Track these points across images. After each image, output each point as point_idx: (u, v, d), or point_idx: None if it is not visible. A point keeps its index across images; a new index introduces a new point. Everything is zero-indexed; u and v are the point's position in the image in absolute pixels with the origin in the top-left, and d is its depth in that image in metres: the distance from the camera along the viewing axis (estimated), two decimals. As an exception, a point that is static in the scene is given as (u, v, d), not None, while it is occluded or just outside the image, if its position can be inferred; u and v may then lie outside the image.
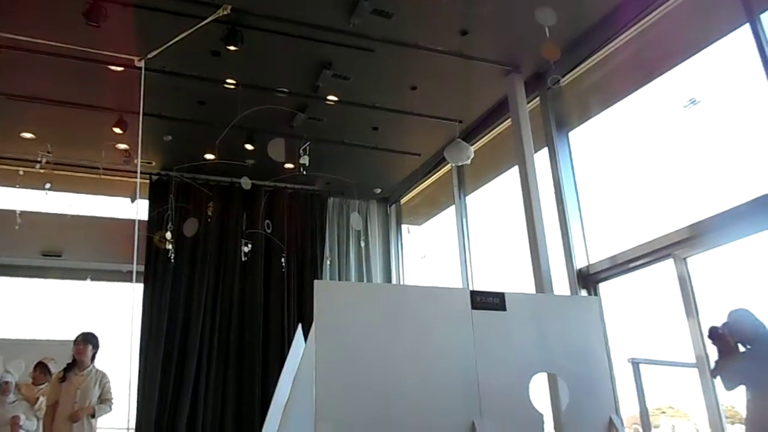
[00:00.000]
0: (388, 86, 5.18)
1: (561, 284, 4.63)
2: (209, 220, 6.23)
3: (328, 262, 6.84)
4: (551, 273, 4.60)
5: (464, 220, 6.31)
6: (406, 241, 7.58)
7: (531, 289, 4.63)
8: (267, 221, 6.29)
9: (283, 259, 6.42)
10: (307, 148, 5.11)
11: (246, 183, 5.21)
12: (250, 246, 6.05)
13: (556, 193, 4.89)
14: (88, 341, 4.42)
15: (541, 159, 5.02)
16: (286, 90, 5.07)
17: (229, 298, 6.34)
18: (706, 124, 3.84)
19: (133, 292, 5.71)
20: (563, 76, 4.96)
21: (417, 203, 7.51)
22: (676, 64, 4.08)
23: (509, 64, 4.99)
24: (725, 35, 3.79)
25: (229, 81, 4.92)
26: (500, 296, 2.75)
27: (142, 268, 6.16)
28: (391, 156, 6.41)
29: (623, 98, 4.56)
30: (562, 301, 3.24)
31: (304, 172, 5.20)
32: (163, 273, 6.23)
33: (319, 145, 5.53)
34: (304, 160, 5.07)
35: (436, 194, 7.09)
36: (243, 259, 6.06)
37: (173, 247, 5.96)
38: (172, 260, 6.08)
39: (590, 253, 4.65)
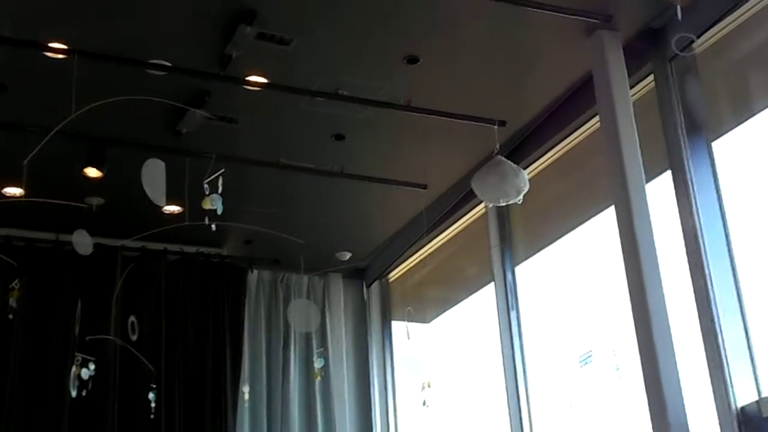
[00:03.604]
0: (366, 53, 5.06)
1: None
2: (10, 316, 5.98)
3: (246, 397, 6.62)
4: (688, 418, 4.34)
5: (513, 313, 6.24)
6: (403, 354, 7.57)
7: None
8: (131, 319, 6.05)
9: (152, 394, 6.09)
10: (219, 180, 4.90)
11: (84, 243, 5.00)
12: (93, 366, 5.72)
13: (690, 257, 4.65)
14: None
15: (660, 192, 4.87)
16: (167, 63, 4.90)
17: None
18: None
19: None
20: (698, 37, 4.71)
21: (420, 280, 7.57)
22: None
23: (594, 12, 4.80)
24: None
25: (53, 44, 4.74)
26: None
27: None
28: (373, 191, 6.45)
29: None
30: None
31: (213, 226, 4.98)
32: None
33: (232, 170, 5.32)
34: (214, 202, 4.88)
35: (458, 263, 7.17)
36: (74, 393, 5.70)
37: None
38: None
39: (763, 376, 4.42)
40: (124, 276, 6.59)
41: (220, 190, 4.93)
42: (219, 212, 4.94)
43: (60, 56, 4.96)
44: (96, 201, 6.06)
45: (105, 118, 5.03)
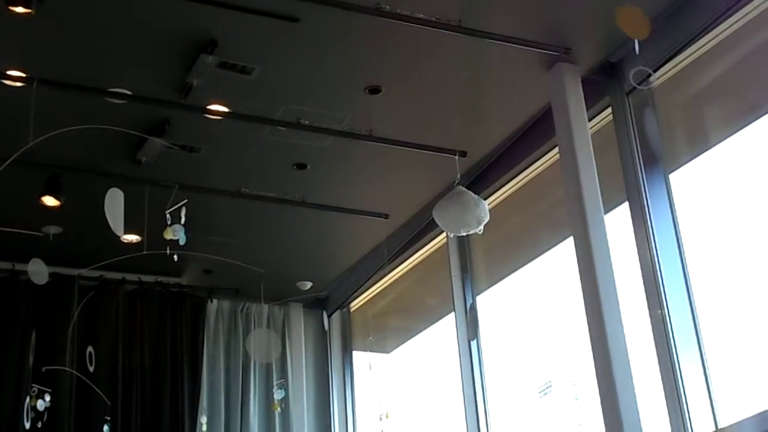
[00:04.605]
0: (328, 82, 5.08)
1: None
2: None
3: (204, 428, 6.60)
4: (642, 443, 4.33)
5: (474, 344, 6.22)
6: (364, 384, 7.55)
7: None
8: (89, 349, 5.99)
9: (107, 427, 6.06)
10: (182, 210, 4.90)
11: (40, 272, 4.95)
12: (48, 398, 5.69)
13: (647, 288, 4.68)
14: None
15: (618, 223, 4.91)
16: (127, 91, 4.88)
17: None
18: None
19: None
20: (655, 71, 4.68)
21: (382, 310, 7.59)
22: None
23: (553, 45, 4.80)
24: None
25: (11, 72, 4.72)
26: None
27: None
28: (335, 220, 6.50)
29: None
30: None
31: (175, 257, 4.98)
32: None
33: (192, 199, 5.27)
34: (176, 232, 4.88)
35: (419, 292, 7.21)
36: (28, 425, 5.68)
37: None
38: None
39: (720, 407, 4.39)
40: (81, 306, 6.50)
41: (183, 221, 4.91)
42: (181, 243, 4.93)
43: (18, 84, 4.93)
44: (53, 230, 6.02)
45: (63, 146, 5.01)
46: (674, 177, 4.83)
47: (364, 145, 5.50)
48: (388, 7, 4.44)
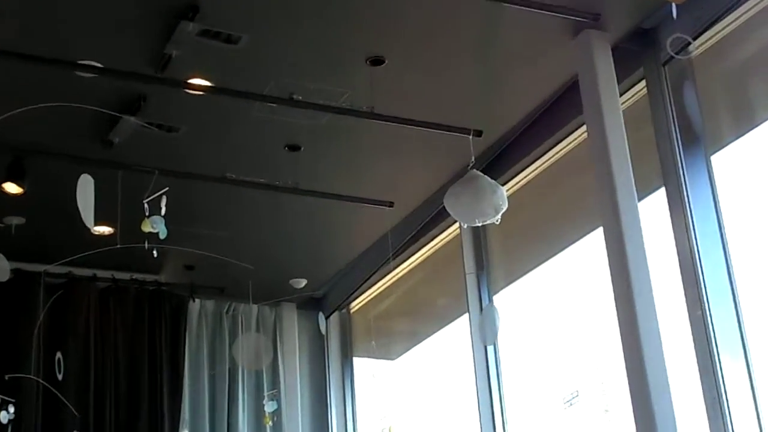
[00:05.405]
0: (324, 53, 5.08)
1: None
2: None
3: None
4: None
5: (491, 349, 6.19)
6: (365, 395, 7.57)
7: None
8: (57, 355, 5.99)
9: None
10: (162, 199, 4.82)
11: (1, 268, 5.02)
12: (12, 409, 5.69)
13: (687, 284, 4.67)
14: None
15: (653, 212, 4.91)
16: (98, 64, 4.81)
17: None
18: None
19: None
20: (695, 39, 4.67)
21: (386, 311, 7.61)
22: None
23: (580, 10, 4.78)
24: None
25: None
26: None
27: None
28: (332, 209, 6.47)
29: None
30: None
31: (154, 252, 4.94)
32: None
33: (171, 185, 5.10)
34: (155, 224, 4.83)
35: (429, 291, 7.18)
36: None
37: None
38: None
39: (766, 418, 4.40)
40: (48, 306, 6.46)
41: (163, 211, 4.87)
42: (162, 236, 4.89)
43: (-25, 57, 4.92)
44: (15, 221, 6.03)
45: (26, 127, 5.00)
46: (716, 159, 4.81)
47: (366, 124, 5.45)
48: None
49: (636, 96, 5.16)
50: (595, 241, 5.22)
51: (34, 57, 4.91)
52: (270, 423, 6.96)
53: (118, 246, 5.29)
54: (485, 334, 5.54)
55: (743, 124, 4.89)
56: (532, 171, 5.98)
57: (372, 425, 7.64)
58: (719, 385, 4.59)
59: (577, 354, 5.95)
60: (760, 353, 4.58)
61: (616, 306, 4.69)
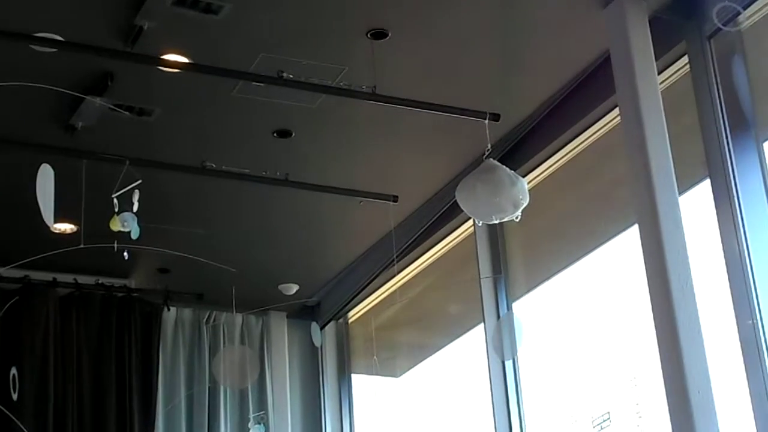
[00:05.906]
0: (318, 24, 5.10)
1: None
2: None
3: None
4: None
5: (509, 364, 6.29)
6: (365, 416, 7.77)
7: None
8: (11, 371, 6.19)
9: None
10: (135, 194, 4.98)
11: None
12: None
13: (735, 289, 4.66)
14: None
15: (696, 207, 4.99)
16: (58, 37, 4.84)
17: None
18: None
19: None
20: (745, 8, 4.71)
21: (389, 321, 7.74)
22: None
23: None
24: None
25: None
26: None
27: None
28: (328, 204, 6.59)
29: None
30: None
31: (125, 253, 5.10)
32: None
33: (143, 176, 5.28)
34: (126, 222, 4.94)
35: (438, 299, 7.34)
36: None
37: None
38: None
39: None
40: (1, 315, 6.48)
41: (135, 207, 4.88)
42: (134, 236, 4.91)
43: None
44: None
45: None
46: (772, 145, 4.76)
47: (366, 106, 5.48)
48: None
49: (677, 74, 5.19)
50: (629, 241, 5.28)
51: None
52: (257, 450, 7.19)
53: (82, 246, 5.30)
54: (503, 348, 5.76)
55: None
56: (557, 160, 6.02)
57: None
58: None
59: (608, 370, 6.07)
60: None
61: (654, 315, 4.72)
